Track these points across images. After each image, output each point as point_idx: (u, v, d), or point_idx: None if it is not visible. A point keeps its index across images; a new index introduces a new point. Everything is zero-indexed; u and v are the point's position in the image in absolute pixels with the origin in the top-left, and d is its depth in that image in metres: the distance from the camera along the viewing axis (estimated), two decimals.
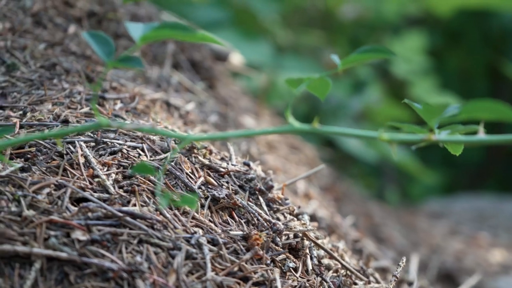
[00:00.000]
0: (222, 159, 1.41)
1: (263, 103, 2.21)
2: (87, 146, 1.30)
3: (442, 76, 3.64)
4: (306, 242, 1.34)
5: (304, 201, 1.79)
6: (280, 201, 1.39)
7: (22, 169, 1.24)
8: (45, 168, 1.26)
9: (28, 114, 1.38)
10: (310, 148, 2.30)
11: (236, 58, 2.11)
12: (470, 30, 4.11)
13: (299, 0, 3.36)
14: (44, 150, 1.28)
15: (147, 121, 1.43)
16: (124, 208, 1.21)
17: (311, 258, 1.33)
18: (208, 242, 1.22)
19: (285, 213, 1.39)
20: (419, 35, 3.40)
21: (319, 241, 1.37)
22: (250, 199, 1.36)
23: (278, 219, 1.36)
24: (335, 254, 1.40)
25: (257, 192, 1.37)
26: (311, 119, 3.04)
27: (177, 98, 1.66)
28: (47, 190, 1.21)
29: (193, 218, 1.25)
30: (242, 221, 1.31)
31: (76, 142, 1.30)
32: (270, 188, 1.40)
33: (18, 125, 1.34)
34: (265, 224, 1.32)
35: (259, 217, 1.32)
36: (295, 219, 1.38)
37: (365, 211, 2.33)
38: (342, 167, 2.81)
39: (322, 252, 1.37)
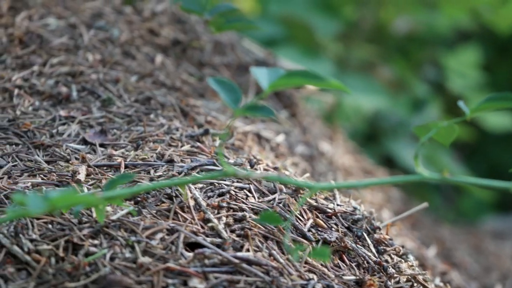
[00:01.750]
0: (326, 198, 1.38)
1: (336, 128, 2.18)
2: (195, 188, 1.28)
3: (492, 89, 3.59)
4: (415, 284, 1.31)
5: (390, 232, 1.76)
6: (386, 242, 1.36)
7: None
8: (155, 211, 1.23)
9: (132, 153, 1.35)
10: (383, 172, 2.27)
11: None
12: None
13: (353, 15, 3.32)
14: (153, 192, 1.26)
15: (248, 158, 1.40)
16: (239, 254, 1.18)
17: None
18: None
19: (391, 255, 1.35)
20: (473, 50, 3.36)
21: (427, 284, 1.34)
22: (357, 240, 1.33)
23: (386, 261, 1.33)
24: None
25: (364, 233, 1.34)
26: (371, 138, 3.00)
27: (267, 130, 1.64)
28: (160, 235, 1.19)
29: (306, 262, 1.22)
30: (353, 265, 1.28)
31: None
32: (376, 228, 1.37)
33: (123, 165, 1.31)
34: (375, 267, 1.29)
35: (369, 260, 1.30)
36: (403, 260, 1.35)
37: (436, 235, 2.30)
38: (399, 185, 2.76)
39: None
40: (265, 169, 1.38)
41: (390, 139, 2.90)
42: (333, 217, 1.34)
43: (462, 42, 3.53)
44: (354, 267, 1.28)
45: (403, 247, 1.40)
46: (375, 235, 1.36)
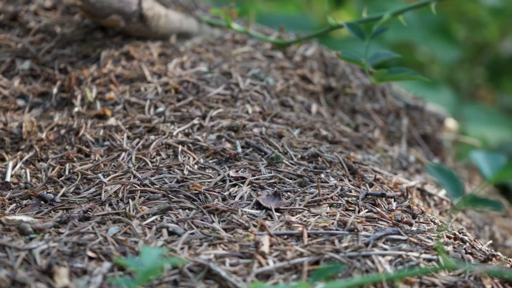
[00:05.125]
0: None
1: (472, 169, 2.10)
2: (385, 261, 1.21)
3: None
4: None
5: None
6: None
7: None
8: None
9: (311, 220, 1.29)
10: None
11: (451, 123, 2.01)
12: None
13: (460, 36, 3.24)
14: (342, 266, 1.20)
15: (429, 225, 1.34)
16: None
17: None
18: None
19: None
20: None
21: None
22: None
23: None
24: None
25: None
26: None
27: (429, 185, 1.57)
28: None
29: None
30: None
31: (374, 257, 1.21)
32: None
33: (305, 234, 1.25)
34: None
35: None
36: None
37: None
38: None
39: None
40: (448, 237, 1.32)
41: None
42: None
43: None
44: None
45: None
46: None
